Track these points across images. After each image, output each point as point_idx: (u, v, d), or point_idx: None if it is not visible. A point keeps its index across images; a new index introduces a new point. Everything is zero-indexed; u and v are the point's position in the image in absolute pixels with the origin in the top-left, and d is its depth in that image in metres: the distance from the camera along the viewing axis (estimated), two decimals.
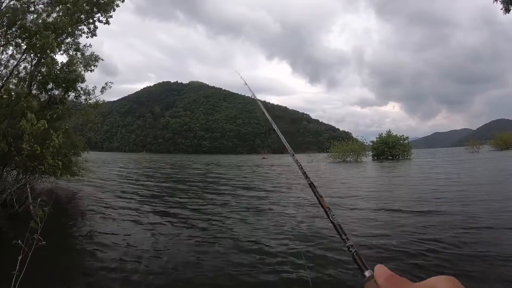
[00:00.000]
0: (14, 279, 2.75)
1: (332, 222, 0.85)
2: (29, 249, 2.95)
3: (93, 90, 14.84)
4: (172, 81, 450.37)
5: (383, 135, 57.20)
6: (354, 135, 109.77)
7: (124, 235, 8.52)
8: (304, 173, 1.25)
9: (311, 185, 1.11)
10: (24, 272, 2.82)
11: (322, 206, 0.92)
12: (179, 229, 9.07)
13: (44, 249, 3.14)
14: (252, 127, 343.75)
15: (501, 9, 19.47)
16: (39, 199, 3.65)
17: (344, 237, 0.75)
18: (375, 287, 0.58)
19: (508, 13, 19.15)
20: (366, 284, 0.60)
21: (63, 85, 12.22)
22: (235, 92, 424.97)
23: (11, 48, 12.80)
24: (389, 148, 54.27)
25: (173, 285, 5.42)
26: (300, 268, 5.81)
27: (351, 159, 51.94)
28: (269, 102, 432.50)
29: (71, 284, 5.50)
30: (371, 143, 59.02)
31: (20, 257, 2.85)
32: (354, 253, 0.69)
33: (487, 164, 30.02)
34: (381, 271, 0.58)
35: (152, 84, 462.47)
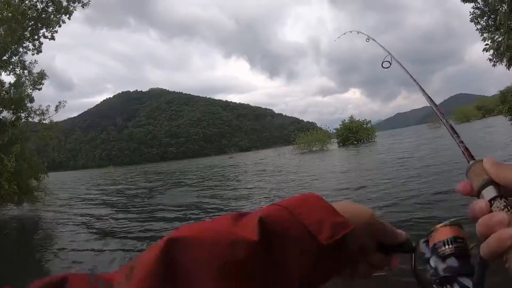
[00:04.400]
0: None
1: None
2: None
3: (47, 109, 14.38)
4: (131, 90, 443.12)
5: (346, 121, 58.05)
6: (318, 125, 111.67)
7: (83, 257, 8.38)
8: None
9: None
10: None
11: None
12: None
13: None
14: (217, 128, 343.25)
15: None
16: None
17: (455, 135, 0.77)
18: (480, 170, 0.61)
19: None
20: (472, 168, 0.63)
21: (12, 106, 11.83)
22: (196, 95, 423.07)
23: None
24: (353, 134, 54.99)
25: None
26: None
27: (317, 148, 52.44)
28: (231, 102, 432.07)
29: None
30: (335, 131, 59.76)
31: None
32: (461, 144, 0.72)
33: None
34: (490, 159, 0.61)
35: (111, 95, 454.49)
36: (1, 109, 12.04)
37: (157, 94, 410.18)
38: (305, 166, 26.23)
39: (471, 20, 19.73)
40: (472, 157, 0.69)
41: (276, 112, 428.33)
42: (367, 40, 1.93)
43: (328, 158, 32.72)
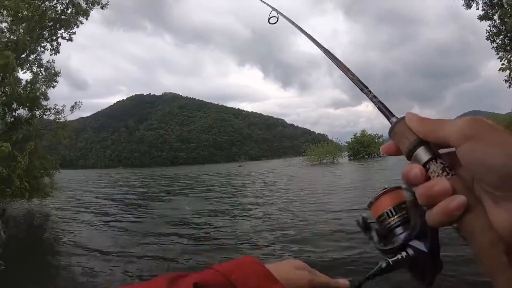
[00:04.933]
0: None
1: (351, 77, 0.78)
2: None
3: (62, 109, 14.57)
4: (145, 94, 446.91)
5: (358, 135, 58.02)
6: (330, 137, 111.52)
7: (90, 261, 8.33)
8: None
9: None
10: None
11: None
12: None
13: (4, 273, 3.07)
14: (228, 135, 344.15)
15: (462, 5, 20.35)
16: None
17: (365, 90, 0.70)
18: (405, 129, 0.55)
19: (470, 9, 20.03)
20: (395, 128, 0.57)
21: (27, 104, 11.93)
22: (208, 101, 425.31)
23: None
24: (364, 148, 55.03)
25: None
26: None
27: (328, 161, 52.31)
28: (243, 110, 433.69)
29: None
30: (346, 144, 59.79)
31: None
32: (379, 103, 0.66)
33: None
34: (412, 114, 0.56)
35: (125, 98, 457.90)
36: (17, 106, 12.16)
37: (170, 99, 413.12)
38: (314, 180, 26.06)
39: (487, 38, 19.71)
40: (391, 114, 0.62)
41: (288, 122, 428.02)
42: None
43: (339, 171, 32.55)
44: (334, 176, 27.91)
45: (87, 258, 8.08)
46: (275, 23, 1.42)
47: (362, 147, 55.19)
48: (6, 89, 11.90)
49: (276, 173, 37.86)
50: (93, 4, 14.31)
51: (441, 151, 0.53)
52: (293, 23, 1.20)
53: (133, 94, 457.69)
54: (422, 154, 0.53)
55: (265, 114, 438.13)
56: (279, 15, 1.40)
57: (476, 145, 0.46)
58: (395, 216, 0.62)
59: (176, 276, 0.59)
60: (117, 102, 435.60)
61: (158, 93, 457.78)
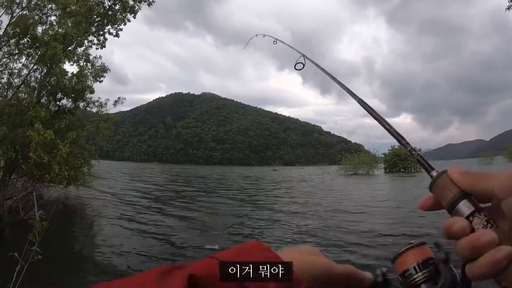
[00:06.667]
0: None
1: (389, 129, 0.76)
2: (26, 262, 2.91)
3: (106, 103, 15.03)
4: (184, 92, 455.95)
5: (395, 147, 56.75)
6: (366, 147, 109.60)
7: (125, 249, 8.42)
8: None
9: None
10: (20, 283, 2.76)
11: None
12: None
13: (41, 262, 3.07)
14: (263, 139, 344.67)
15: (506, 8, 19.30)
16: (39, 212, 3.61)
17: (404, 142, 0.69)
18: (447, 182, 0.54)
19: None
20: (437, 181, 0.55)
21: (72, 95, 12.29)
22: (247, 104, 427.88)
23: (24, 57, 13.00)
24: (401, 161, 53.71)
25: None
26: None
27: (363, 172, 51.41)
28: (280, 114, 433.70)
29: None
30: (383, 155, 58.63)
31: (17, 268, 2.82)
32: (418, 156, 0.63)
33: None
34: (455, 168, 0.55)
35: (164, 95, 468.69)
36: (61, 96, 12.54)
37: (208, 99, 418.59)
38: (350, 190, 25.66)
39: None
40: (430, 167, 0.61)
41: (325, 130, 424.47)
42: (275, 42, 1.98)
43: (375, 184, 31.89)
44: (372, 190, 27.39)
45: (118, 249, 8.19)
46: (301, 69, 1.44)
47: (399, 160, 53.88)
48: (52, 79, 12.31)
49: (314, 181, 37.62)
50: (139, 1, 14.58)
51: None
52: (321, 68, 1.20)
53: (172, 92, 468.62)
54: (466, 207, 0.53)
55: (302, 120, 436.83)
56: (305, 60, 1.41)
57: None
58: (421, 272, 0.58)
59: (170, 268, 0.50)
60: (156, 99, 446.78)
61: (197, 92, 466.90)
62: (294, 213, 14.09)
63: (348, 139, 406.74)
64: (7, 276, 2.75)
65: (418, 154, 0.64)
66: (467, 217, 0.51)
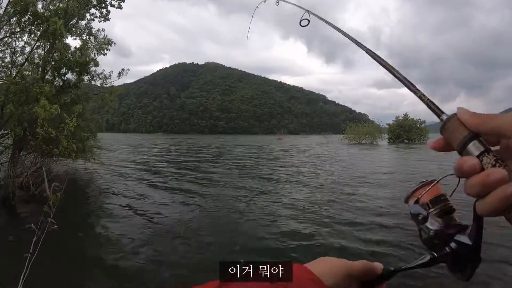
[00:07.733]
0: (27, 261, 2.85)
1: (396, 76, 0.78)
2: (42, 233, 3.05)
3: (110, 75, 15.01)
4: (188, 62, 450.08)
5: (400, 118, 56.48)
6: (370, 117, 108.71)
7: (139, 219, 8.65)
8: None
9: None
10: (37, 254, 2.90)
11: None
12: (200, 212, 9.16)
13: (57, 232, 3.23)
14: (268, 107, 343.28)
15: None
16: (53, 184, 3.72)
17: (413, 88, 0.71)
18: (457, 125, 0.58)
19: None
20: (447, 125, 0.59)
21: (76, 69, 12.30)
22: (251, 73, 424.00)
23: (26, 35, 12.94)
24: (406, 132, 53.60)
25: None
26: None
27: (367, 142, 51.42)
28: (285, 83, 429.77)
29: (81, 267, 5.63)
30: (387, 126, 58.42)
31: (34, 239, 2.96)
32: (428, 101, 0.67)
33: None
34: (464, 110, 0.58)
35: (167, 66, 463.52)
36: (65, 71, 12.55)
37: (212, 68, 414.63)
38: (355, 160, 25.78)
39: None
40: (440, 111, 0.63)
41: (329, 99, 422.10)
42: (277, 3, 1.94)
43: (380, 154, 31.92)
44: (374, 160, 27.48)
45: (130, 222, 8.41)
46: (306, 25, 1.43)
47: (403, 131, 53.78)
48: (55, 55, 12.30)
49: (317, 149, 37.66)
50: None
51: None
52: (328, 22, 1.19)
53: (176, 63, 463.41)
54: (475, 147, 0.54)
55: (307, 89, 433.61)
56: (311, 16, 1.40)
57: None
58: (437, 206, 0.67)
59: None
60: (159, 69, 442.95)
61: (201, 62, 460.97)
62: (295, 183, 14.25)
63: (353, 109, 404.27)
64: (23, 249, 2.89)
65: (428, 99, 0.67)
66: (477, 157, 0.54)
